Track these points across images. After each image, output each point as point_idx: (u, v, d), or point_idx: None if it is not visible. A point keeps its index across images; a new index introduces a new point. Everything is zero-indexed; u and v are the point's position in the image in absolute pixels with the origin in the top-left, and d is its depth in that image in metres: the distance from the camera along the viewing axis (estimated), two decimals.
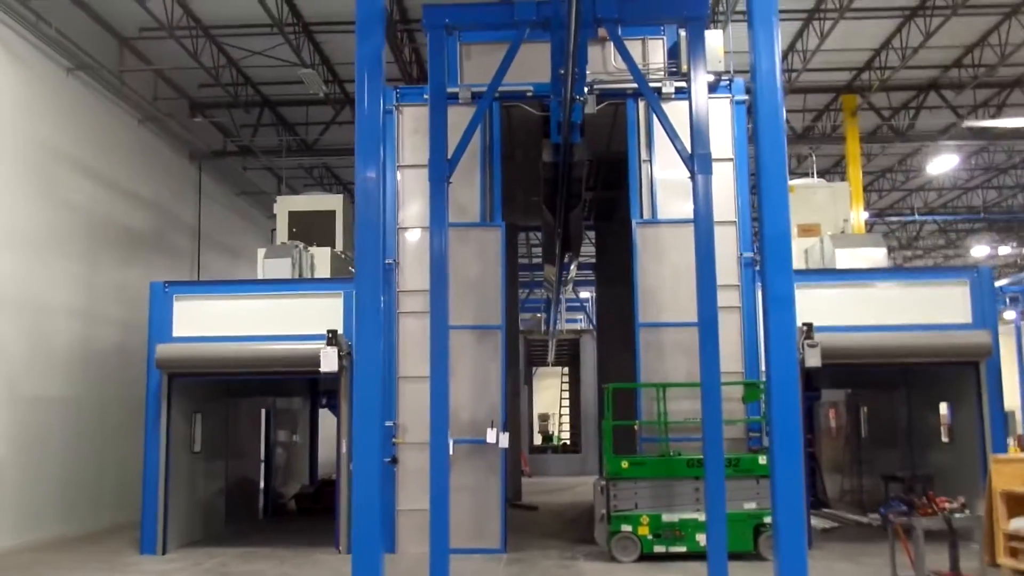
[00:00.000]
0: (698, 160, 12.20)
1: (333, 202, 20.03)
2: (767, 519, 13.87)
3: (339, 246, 19.38)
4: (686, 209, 15.63)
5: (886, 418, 19.55)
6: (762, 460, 14.02)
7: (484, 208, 15.89)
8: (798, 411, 7.93)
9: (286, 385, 21.83)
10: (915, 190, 34.22)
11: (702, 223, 12.08)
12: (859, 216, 23.19)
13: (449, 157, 12.47)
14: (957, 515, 10.24)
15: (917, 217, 34.76)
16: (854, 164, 24.10)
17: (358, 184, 8.46)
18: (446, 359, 12.30)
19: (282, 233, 19.65)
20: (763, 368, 15.10)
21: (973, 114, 24.44)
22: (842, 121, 24.41)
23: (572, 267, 27.04)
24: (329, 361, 14.64)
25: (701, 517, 13.70)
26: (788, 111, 23.88)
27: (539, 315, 39.83)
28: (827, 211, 19.15)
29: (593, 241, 28.88)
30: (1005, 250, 38.52)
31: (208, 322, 15.68)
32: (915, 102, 24.60)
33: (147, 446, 15.37)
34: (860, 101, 23.83)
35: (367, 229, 8.45)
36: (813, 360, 14.29)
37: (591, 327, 36.43)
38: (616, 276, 23.39)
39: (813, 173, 23.61)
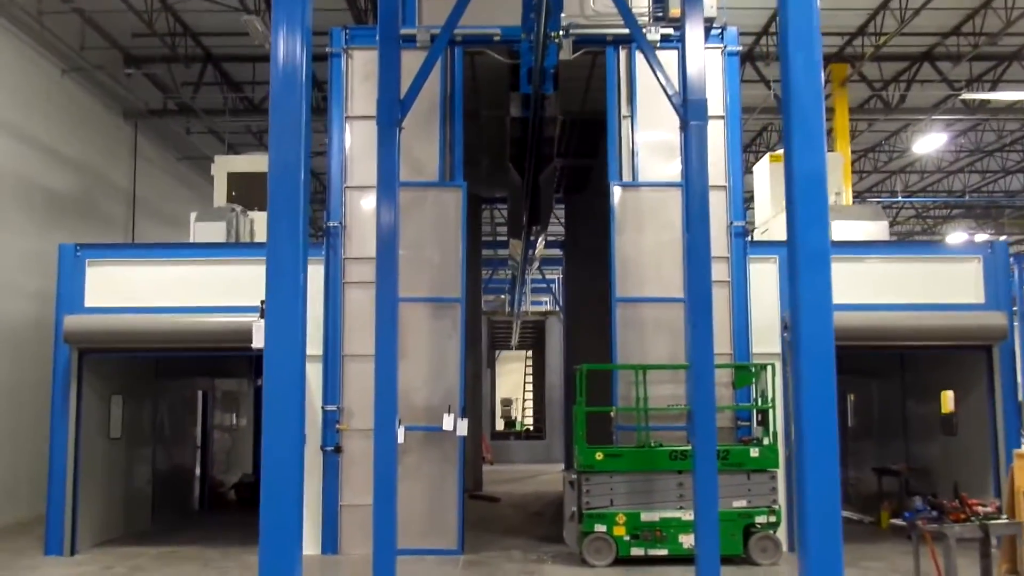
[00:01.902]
0: (692, 108, 10.59)
1: None
2: (759, 519, 12.31)
3: None
4: (670, 172, 14.08)
5: (877, 407, 18.07)
6: (754, 452, 12.44)
7: (443, 166, 14.09)
8: (833, 395, 6.28)
9: (226, 364, 19.92)
10: (897, 172, 32.89)
11: (695, 180, 10.44)
12: (850, 191, 21.70)
13: (402, 98, 10.68)
14: (994, 520, 8.67)
15: (902, 199, 33.44)
16: (842, 138, 22.59)
17: (273, 100, 6.61)
18: (394, 334, 10.59)
19: (220, 197, 17.77)
20: (754, 350, 13.57)
21: (968, 88, 23.02)
22: (831, 92, 22.86)
23: (539, 243, 25.26)
24: (261, 336, 12.71)
25: (685, 516, 12.13)
26: (773, 80, 22.34)
27: (503, 296, 38.11)
28: None
29: (562, 221, 27.20)
30: (982, 237, 37.38)
31: (128, 291, 13.79)
32: (907, 74, 23.11)
33: (53, 432, 13.46)
34: (850, 71, 22.30)
35: (282, 164, 6.57)
36: None
37: (558, 309, 34.80)
38: (587, 252, 21.76)
39: None
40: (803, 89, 6.33)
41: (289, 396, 6.22)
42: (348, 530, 13.31)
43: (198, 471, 19.48)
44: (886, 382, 17.51)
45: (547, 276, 37.76)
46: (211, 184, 18.45)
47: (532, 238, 23.27)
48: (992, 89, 23.02)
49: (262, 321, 12.85)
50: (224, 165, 18.23)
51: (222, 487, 20.48)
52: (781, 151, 19.04)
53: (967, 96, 22.51)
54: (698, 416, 10.13)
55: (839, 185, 18.02)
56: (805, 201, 6.34)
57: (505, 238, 27.46)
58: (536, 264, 30.55)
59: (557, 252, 31.14)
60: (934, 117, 24.04)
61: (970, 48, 20.92)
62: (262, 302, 13.08)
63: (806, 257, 6.28)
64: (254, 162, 18.41)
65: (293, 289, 6.35)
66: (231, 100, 22.88)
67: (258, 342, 12.82)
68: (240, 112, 23.24)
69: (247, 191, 17.58)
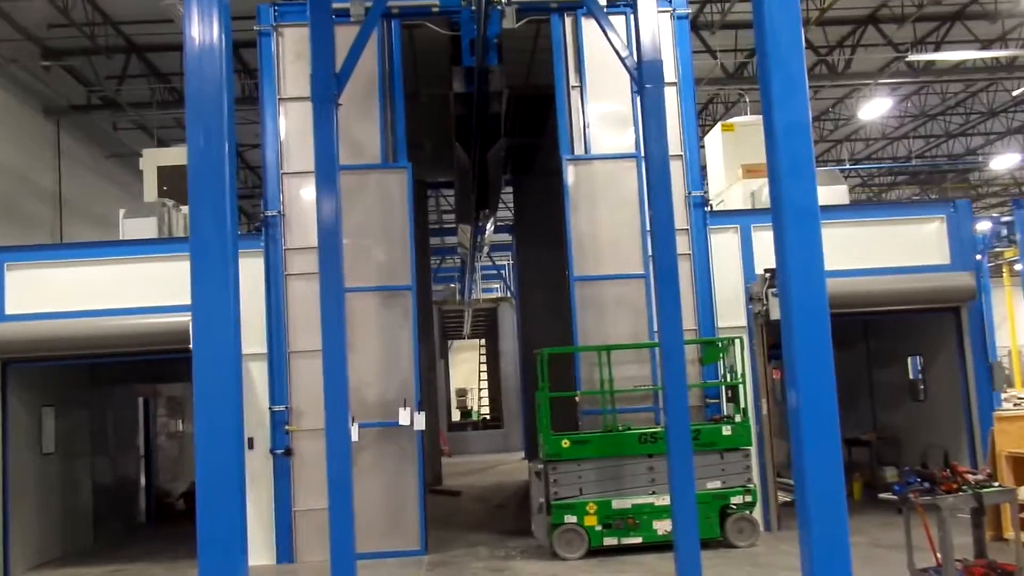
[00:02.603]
0: (647, 70, 9.99)
1: None
2: (735, 499, 11.81)
3: None
4: (623, 144, 13.50)
5: (841, 375, 17.68)
6: (726, 431, 11.93)
7: (385, 147, 13.34)
8: (830, 357, 5.72)
9: (168, 368, 18.88)
10: (842, 140, 32.74)
11: (654, 147, 9.85)
12: None
13: (337, 72, 9.92)
14: (987, 489, 8.22)
15: (849, 167, 33.30)
16: None
17: (188, 79, 5.80)
18: (341, 326, 9.86)
19: (151, 192, 16.80)
20: (719, 324, 13.06)
21: (912, 50, 22.76)
22: None
23: (488, 228, 24.64)
24: None
25: (658, 501, 11.61)
26: (719, 50, 21.87)
27: (453, 285, 37.43)
28: None
29: (510, 206, 26.55)
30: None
31: (53, 295, 12.85)
32: (852, 38, 22.80)
33: None
34: None
35: (201, 149, 5.76)
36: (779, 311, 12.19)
37: (509, 295, 34.17)
38: (539, 235, 21.15)
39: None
40: (780, 29, 5.73)
41: (222, 400, 5.47)
42: (304, 537, 12.57)
43: (143, 481, 18.55)
44: (850, 351, 17.16)
45: (497, 263, 37.14)
46: (142, 182, 17.53)
47: (481, 223, 22.62)
48: (936, 50, 22.82)
49: None
50: (153, 159, 17.26)
51: (169, 497, 19.55)
52: (733, 119, 18.69)
53: (912, 58, 22.25)
54: (670, 395, 9.56)
55: None
56: (789, 153, 5.75)
57: (453, 225, 26.76)
58: (486, 250, 29.92)
59: (507, 237, 30.54)
60: (880, 81, 23.76)
61: (914, 9, 20.67)
62: None
63: (792, 213, 5.69)
64: (185, 154, 17.42)
65: (221, 282, 5.58)
66: (159, 92, 21.79)
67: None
68: (169, 104, 22.14)
69: (179, 185, 16.60)
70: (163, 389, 19.30)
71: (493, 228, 26.16)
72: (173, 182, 16.80)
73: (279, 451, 12.67)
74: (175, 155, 17.43)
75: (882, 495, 8.49)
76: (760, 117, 19.10)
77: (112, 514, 16.33)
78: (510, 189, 24.60)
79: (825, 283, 5.71)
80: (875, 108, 26.66)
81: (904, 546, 8.64)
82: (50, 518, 13.92)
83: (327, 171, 9.93)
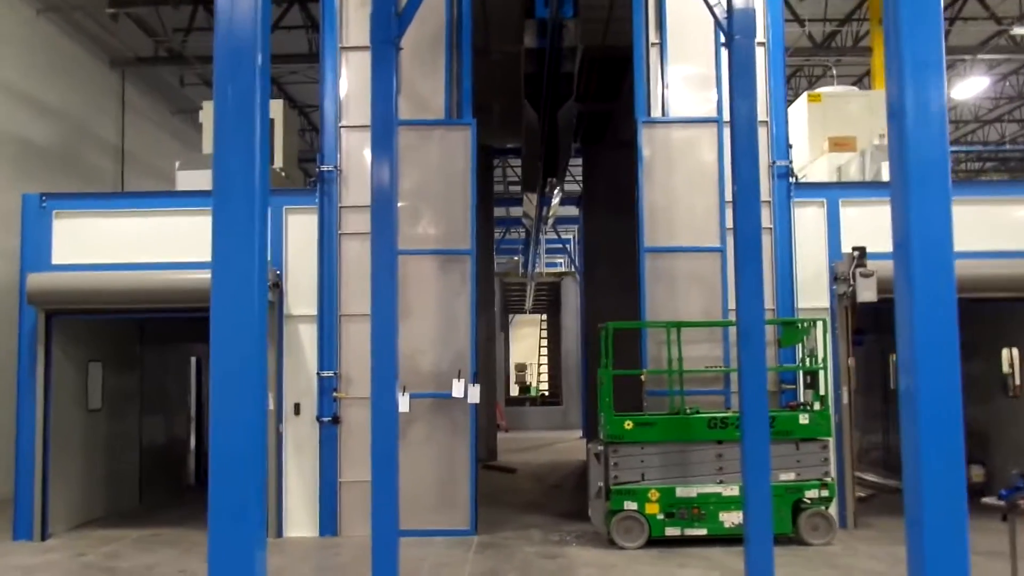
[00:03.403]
0: (738, 20, 9.05)
1: (271, 109, 16.58)
2: (810, 493, 10.91)
3: (278, 161, 16.01)
4: (703, 108, 12.55)
5: None
6: (803, 419, 11.01)
7: (450, 102, 12.58)
8: (955, 335, 4.82)
9: None
10: None
11: (741, 107, 8.94)
12: None
13: (399, 12, 9.18)
14: None
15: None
16: (881, 80, 20.87)
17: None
18: (392, 290, 9.22)
19: (209, 145, 16.24)
20: (799, 304, 12.12)
21: (1017, 23, 21.29)
22: (868, 30, 21.18)
23: (555, 199, 23.81)
24: None
25: (725, 491, 10.78)
26: (807, 19, 20.70)
27: (516, 258, 36.68)
28: (862, 123, 16.08)
29: (578, 179, 25.64)
30: None
31: (102, 246, 12.37)
32: (951, 10, 21.39)
33: (20, 403, 12.08)
34: None
35: (230, 56, 5.02)
36: (868, 293, 11.26)
37: (574, 269, 33.33)
38: (607, 207, 20.36)
39: None
40: None
41: (242, 369, 4.79)
42: (348, 510, 11.99)
43: (193, 443, 18.22)
44: None
45: (562, 236, 36.29)
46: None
47: (547, 193, 21.81)
48: None
49: None
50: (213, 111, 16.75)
51: None
52: (820, 89, 17.54)
53: (1016, 31, 20.80)
54: (747, 378, 8.71)
55: (884, 126, 16.39)
56: (916, 94, 4.84)
57: (518, 195, 25.98)
58: (551, 222, 29.08)
59: (573, 210, 29.69)
60: (979, 57, 22.30)
61: None
62: None
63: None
64: None
65: (245, 237, 4.87)
66: None
67: None
68: None
69: None
70: None
71: (560, 199, 25.35)
72: None
73: (326, 419, 12.09)
74: None
75: (986, 500, 7.54)
76: (850, 88, 18.00)
77: (159, 475, 15.99)
78: (578, 162, 23.72)
79: (952, 247, 4.83)
80: (970, 87, 25.16)
81: (1004, 554, 7.73)
82: (94, 477, 13.57)
83: (384, 120, 9.22)
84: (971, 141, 33.37)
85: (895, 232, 5.03)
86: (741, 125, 8.81)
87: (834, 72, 21.70)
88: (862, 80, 24.54)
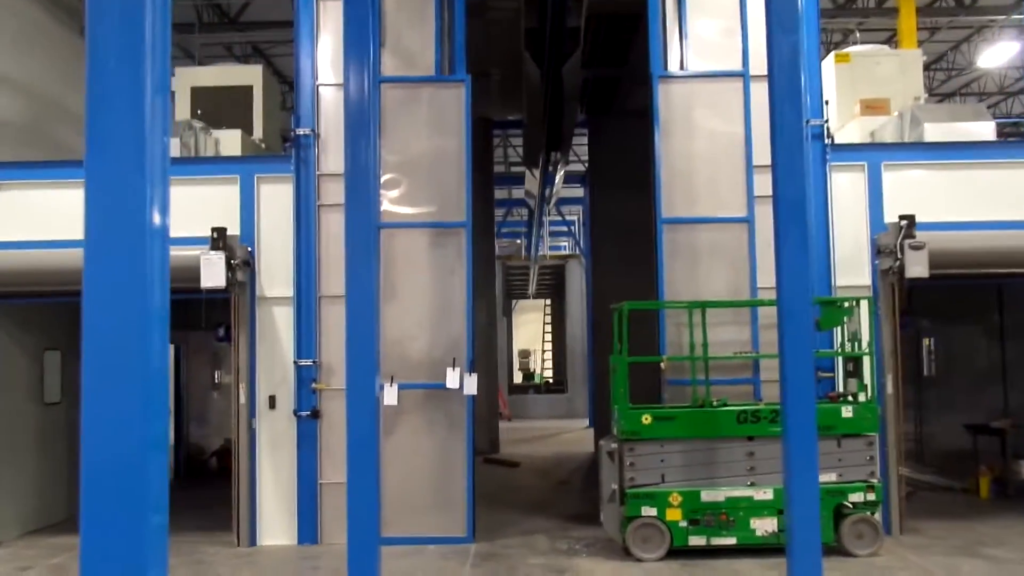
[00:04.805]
0: None
1: (249, 75, 15.20)
2: (853, 497, 9.56)
3: (257, 132, 14.67)
4: (727, 62, 11.18)
5: (965, 351, 15.20)
6: (846, 412, 9.65)
7: (441, 58, 11.17)
8: None
9: (202, 310, 17.18)
10: (952, 94, 29.64)
11: (782, 43, 7.52)
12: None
13: None
14: None
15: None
16: (908, 42, 19.43)
17: None
18: (372, 263, 7.80)
19: (183, 115, 14.95)
20: (836, 282, 10.74)
21: None
22: None
23: (558, 176, 22.45)
24: (212, 272, 10.05)
25: (758, 495, 9.44)
26: None
27: (519, 241, 35.31)
28: (894, 85, 14.67)
29: (584, 159, 24.20)
30: None
31: (48, 221, 11.03)
32: None
33: None
34: None
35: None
36: (918, 268, 9.91)
37: (578, 252, 31.96)
38: (615, 182, 18.89)
39: None
40: None
41: (121, 353, 3.47)
42: (330, 515, 10.64)
43: (171, 437, 16.91)
44: (979, 322, 14.66)
45: (567, 217, 34.90)
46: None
47: (551, 168, 20.46)
48: None
49: (213, 254, 10.24)
50: (187, 79, 15.34)
51: (202, 454, 17.95)
52: (849, 49, 16.11)
53: None
54: (791, 365, 7.35)
55: (918, 87, 14.98)
56: None
57: (520, 172, 24.61)
58: (554, 201, 27.70)
59: (578, 191, 28.32)
60: (1015, 16, 20.80)
61: None
62: (214, 230, 10.49)
63: None
64: (223, 74, 15.59)
65: (122, 200, 3.55)
66: (201, 9, 19.89)
67: (208, 280, 10.21)
68: (213, 26, 20.27)
69: (215, 109, 14.77)
70: (195, 337, 17.57)
71: (563, 177, 23.98)
72: (209, 105, 14.96)
73: (305, 413, 10.76)
74: (213, 75, 15.53)
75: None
76: (881, 47, 16.48)
77: None
78: (583, 142, 22.32)
79: None
80: (999, 54, 23.63)
81: None
82: (53, 477, 12.26)
83: (358, 70, 7.84)
84: (995, 114, 31.90)
85: None
86: (782, 64, 7.41)
87: (857, 36, 20.22)
88: (890, 41, 23.07)
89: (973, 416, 14.24)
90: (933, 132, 12.03)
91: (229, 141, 13.62)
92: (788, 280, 7.44)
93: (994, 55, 23.64)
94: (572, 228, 35.38)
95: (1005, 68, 26.82)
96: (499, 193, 29.14)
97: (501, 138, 27.38)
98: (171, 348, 16.81)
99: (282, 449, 10.81)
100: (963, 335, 15.20)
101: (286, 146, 11.38)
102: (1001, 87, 29.15)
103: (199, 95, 15.17)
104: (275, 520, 10.75)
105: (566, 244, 37.97)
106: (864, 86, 14.90)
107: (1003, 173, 11.13)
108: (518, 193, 29.57)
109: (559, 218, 33.92)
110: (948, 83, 28.49)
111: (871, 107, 14.41)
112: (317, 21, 11.16)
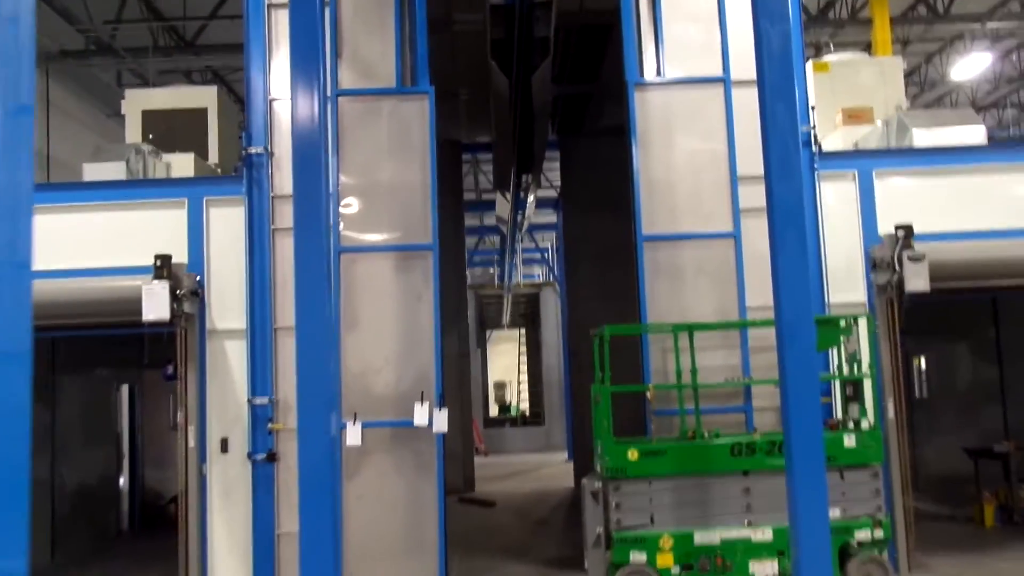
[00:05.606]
0: None
1: (204, 97, 14.38)
2: (860, 534, 8.77)
3: (213, 157, 13.86)
4: (706, 68, 10.53)
5: (963, 370, 14.56)
6: (849, 441, 8.89)
7: (402, 69, 10.42)
8: None
9: (160, 346, 16.23)
10: (927, 106, 29.34)
11: (771, 34, 6.84)
12: None
13: None
14: None
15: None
16: (883, 51, 18.99)
17: None
18: (324, 290, 6.99)
19: (133, 138, 14.15)
20: (829, 299, 10.05)
21: None
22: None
23: (530, 200, 21.79)
24: (155, 304, 9.17)
25: (755, 535, 8.63)
26: None
27: (491, 270, 34.59)
28: (876, 93, 14.14)
29: (556, 185, 23.53)
30: None
31: None
32: None
33: None
34: None
35: None
36: (918, 281, 9.23)
37: (553, 279, 31.27)
38: (588, 204, 18.23)
39: None
40: None
41: None
42: (288, 567, 9.71)
43: (124, 483, 15.91)
44: (974, 339, 14.03)
45: (540, 244, 34.25)
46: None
47: (523, 193, 19.79)
48: None
49: (156, 284, 9.37)
50: (138, 101, 14.53)
51: (161, 500, 16.91)
52: (827, 57, 15.56)
53: None
54: (793, 391, 6.62)
55: (901, 96, 14.45)
56: None
57: (492, 200, 23.87)
58: (526, 227, 27.01)
59: (551, 216, 27.67)
60: (989, 24, 20.40)
61: None
62: (158, 258, 9.63)
63: None
64: (177, 96, 14.77)
65: None
66: (157, 32, 19.09)
67: (150, 312, 9.32)
68: (170, 51, 19.49)
69: (167, 132, 13.97)
70: (151, 375, 16.61)
71: (535, 201, 23.30)
72: (160, 129, 14.15)
73: (260, 456, 9.86)
74: (165, 97, 14.70)
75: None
76: (860, 55, 15.97)
77: (80, 524, 13.68)
78: (555, 166, 21.66)
79: None
80: (972, 65, 23.27)
81: None
82: None
83: (306, 76, 7.07)
84: None
85: None
86: (772, 56, 6.74)
87: (831, 47, 19.77)
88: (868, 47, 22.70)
89: (969, 439, 13.56)
90: (922, 138, 11.43)
91: (181, 165, 12.79)
92: (787, 293, 6.74)
93: (966, 67, 23.27)
94: (545, 255, 34.74)
95: (977, 81, 26.54)
96: (470, 220, 28.45)
97: (471, 163, 26.67)
98: (125, 388, 15.91)
99: (236, 496, 9.91)
100: (956, 353, 14.59)
101: (237, 166, 10.55)
102: (973, 101, 28.87)
103: (151, 118, 14.34)
104: (227, 573, 9.82)
105: (539, 273, 37.32)
106: (845, 95, 14.34)
107: (1000, 178, 10.51)
108: (490, 220, 28.88)
109: (532, 246, 33.26)
110: (921, 97, 28.19)
111: (854, 116, 13.83)
112: (269, 32, 10.41)
